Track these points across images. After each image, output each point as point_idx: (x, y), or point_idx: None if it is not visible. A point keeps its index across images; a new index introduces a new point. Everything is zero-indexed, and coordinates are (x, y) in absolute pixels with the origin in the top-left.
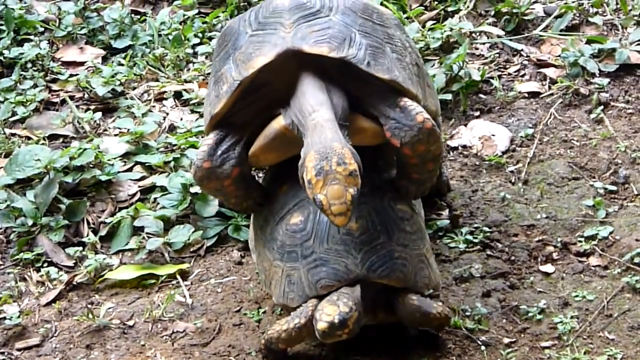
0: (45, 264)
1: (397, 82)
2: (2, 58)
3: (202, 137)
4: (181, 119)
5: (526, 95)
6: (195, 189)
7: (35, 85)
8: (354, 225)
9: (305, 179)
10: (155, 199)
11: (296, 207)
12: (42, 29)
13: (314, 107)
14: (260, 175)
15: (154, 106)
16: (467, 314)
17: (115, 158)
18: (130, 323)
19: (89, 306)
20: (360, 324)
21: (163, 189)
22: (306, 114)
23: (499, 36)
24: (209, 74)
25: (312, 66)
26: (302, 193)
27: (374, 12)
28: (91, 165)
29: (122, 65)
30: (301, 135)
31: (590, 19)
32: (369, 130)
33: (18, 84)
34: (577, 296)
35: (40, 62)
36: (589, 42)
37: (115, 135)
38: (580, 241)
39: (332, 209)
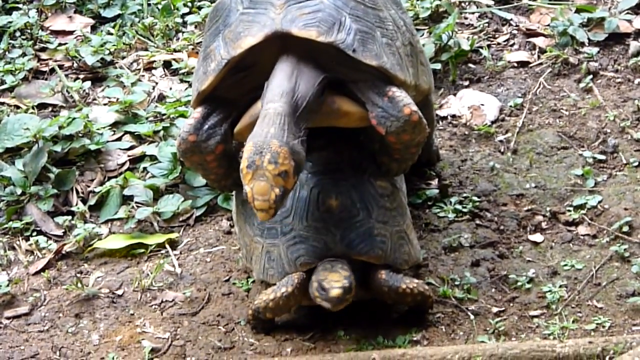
0: (34, 233)
1: (385, 68)
2: None
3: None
4: (170, 89)
5: (515, 64)
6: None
7: (24, 54)
8: (333, 203)
9: (241, 165)
10: (144, 168)
11: None
12: None
13: (273, 96)
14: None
15: (143, 75)
16: (456, 283)
17: (104, 127)
18: (119, 292)
19: (78, 275)
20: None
21: (152, 158)
22: (265, 100)
23: (488, 6)
24: (198, 43)
25: (298, 48)
26: None
27: None
28: (80, 135)
29: (111, 34)
30: None
31: None
32: (355, 114)
33: (7, 53)
34: (565, 265)
35: (29, 31)
36: (578, 11)
37: (105, 104)
38: (569, 210)
39: (255, 203)
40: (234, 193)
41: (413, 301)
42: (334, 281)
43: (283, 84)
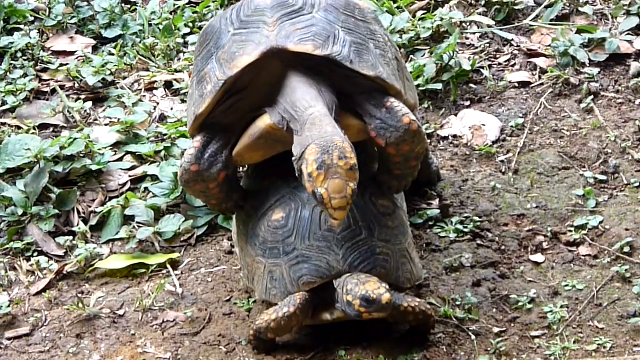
0: (36, 253)
1: (381, 78)
2: None
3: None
4: (172, 109)
5: (516, 85)
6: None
7: (25, 75)
8: (335, 222)
9: (305, 172)
10: (145, 188)
11: (278, 204)
12: (32, 18)
13: (309, 102)
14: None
15: (144, 96)
16: (458, 303)
17: (105, 147)
18: (121, 312)
19: (79, 295)
20: None
21: (154, 178)
22: (302, 109)
23: (489, 26)
24: None
25: (297, 64)
26: (283, 189)
27: (356, 9)
28: (82, 155)
29: (113, 54)
30: (292, 132)
31: (580, 8)
32: (354, 127)
33: (8, 74)
34: (567, 286)
35: (31, 52)
36: (579, 31)
37: (106, 124)
38: (570, 231)
39: (332, 202)
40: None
41: (415, 320)
42: (376, 289)
43: (310, 91)
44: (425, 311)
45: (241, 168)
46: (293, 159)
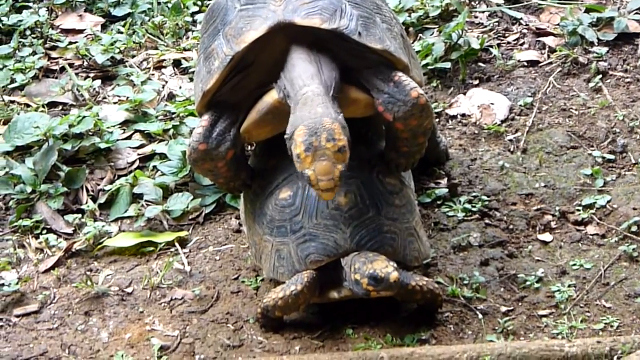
0: (44, 231)
1: (389, 51)
2: (0, 25)
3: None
4: (180, 87)
5: (525, 64)
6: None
7: (34, 53)
8: (342, 200)
9: (294, 152)
10: (154, 166)
11: (285, 182)
12: None
13: (305, 80)
14: (249, 150)
15: (153, 74)
16: (465, 282)
17: (114, 126)
18: (129, 290)
19: (88, 273)
20: None
21: (162, 156)
22: (297, 88)
23: (498, 5)
24: None
25: (302, 39)
26: (290, 168)
27: None
28: (90, 133)
29: (121, 33)
30: (288, 108)
31: None
32: (362, 101)
33: (17, 51)
34: (574, 265)
35: (39, 30)
36: (588, 10)
37: (115, 103)
38: (578, 210)
39: (319, 184)
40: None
41: (422, 299)
42: (384, 268)
43: (308, 68)
44: (433, 290)
45: (249, 147)
46: (285, 136)
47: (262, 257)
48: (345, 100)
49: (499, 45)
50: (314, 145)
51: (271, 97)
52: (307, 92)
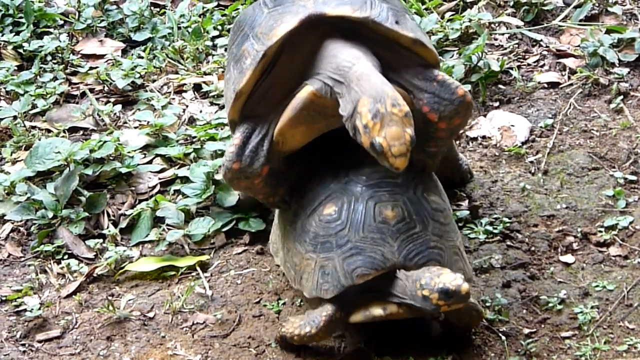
0: (66, 256)
1: (421, 41)
2: (22, 51)
3: (222, 129)
4: (200, 111)
5: (545, 85)
6: (220, 177)
7: (55, 78)
8: (390, 214)
9: (360, 125)
10: (175, 190)
11: (328, 199)
12: (62, 22)
13: (352, 60)
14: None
15: (173, 98)
16: (488, 304)
17: (135, 150)
18: (151, 315)
19: (110, 298)
20: None
21: (183, 180)
22: (346, 69)
23: (518, 26)
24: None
25: (335, 33)
26: (333, 186)
27: None
28: (111, 158)
29: (142, 57)
30: (336, 97)
31: (609, 8)
32: (403, 97)
33: (38, 77)
34: (597, 286)
35: (60, 55)
36: (609, 31)
37: (135, 127)
38: (600, 231)
39: (392, 150)
40: (274, 222)
41: (468, 316)
42: (453, 281)
43: (352, 51)
44: (477, 308)
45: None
46: (344, 119)
47: (303, 277)
48: None
49: (519, 67)
50: (381, 111)
51: (305, 91)
52: (358, 69)
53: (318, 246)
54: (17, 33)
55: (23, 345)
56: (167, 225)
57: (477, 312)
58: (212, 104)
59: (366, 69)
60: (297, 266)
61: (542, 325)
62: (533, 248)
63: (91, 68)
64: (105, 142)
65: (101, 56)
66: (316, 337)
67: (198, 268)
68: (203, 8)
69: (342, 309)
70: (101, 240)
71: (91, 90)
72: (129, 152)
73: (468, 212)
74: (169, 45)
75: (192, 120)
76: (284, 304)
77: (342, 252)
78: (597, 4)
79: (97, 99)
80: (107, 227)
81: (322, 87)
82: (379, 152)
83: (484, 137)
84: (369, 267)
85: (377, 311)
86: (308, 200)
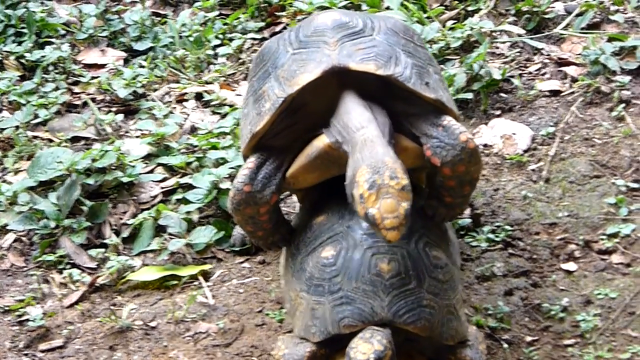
0: (68, 266)
1: (441, 101)
2: (24, 61)
3: (224, 138)
4: (202, 120)
5: (547, 93)
6: (225, 185)
7: (57, 88)
8: (385, 267)
9: (356, 194)
10: (177, 200)
11: (329, 241)
12: (64, 32)
13: (362, 123)
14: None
15: (175, 108)
16: (490, 312)
17: (137, 160)
18: (153, 324)
19: (112, 307)
20: None
21: (185, 189)
22: (353, 130)
23: (519, 35)
24: (230, 75)
25: (353, 85)
26: (337, 227)
27: (415, 34)
28: (113, 167)
29: (143, 67)
30: (345, 154)
31: (611, 16)
32: (411, 150)
33: (40, 87)
34: (599, 294)
35: (62, 65)
36: (610, 40)
37: (137, 137)
38: (602, 239)
39: (385, 223)
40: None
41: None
42: (361, 352)
43: (364, 113)
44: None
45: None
46: (345, 183)
47: (296, 314)
48: (395, 148)
49: (520, 75)
50: (378, 183)
51: (322, 141)
52: (365, 134)
53: (312, 288)
54: (20, 43)
55: (26, 355)
56: (169, 234)
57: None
58: (213, 112)
59: (372, 135)
60: (292, 300)
61: (545, 333)
62: (535, 256)
63: (93, 78)
64: (107, 151)
65: (103, 66)
66: None
67: (200, 277)
68: (204, 17)
69: (327, 347)
70: (103, 250)
71: (93, 100)
72: (130, 162)
73: (470, 220)
74: (171, 55)
75: (193, 130)
76: (286, 313)
77: (333, 299)
78: (598, 12)
79: (99, 109)
80: (109, 237)
81: (335, 141)
82: (372, 222)
83: (485, 145)
84: (357, 318)
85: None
86: (311, 236)
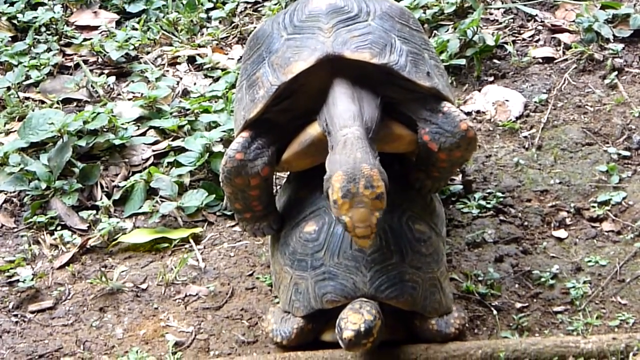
0: (59, 227)
1: (437, 89)
2: (16, 22)
3: (216, 101)
4: (194, 84)
5: (540, 60)
6: (217, 148)
7: (49, 49)
8: (363, 244)
9: (331, 197)
10: (169, 163)
11: (312, 215)
12: None
13: (346, 121)
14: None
15: (167, 70)
16: (480, 279)
17: (128, 122)
18: (144, 286)
19: (103, 269)
20: (382, 334)
21: (177, 152)
22: (337, 127)
23: (513, 1)
24: (222, 38)
25: (347, 72)
26: (320, 201)
27: (410, 18)
28: (105, 129)
29: (136, 29)
30: (329, 144)
31: None
32: (406, 137)
33: (32, 48)
34: (589, 261)
35: (54, 26)
36: (604, 7)
37: (129, 99)
38: (593, 206)
39: (356, 231)
40: None
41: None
42: (352, 322)
43: (350, 107)
44: (464, 318)
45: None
46: (324, 177)
47: (280, 288)
48: (389, 137)
49: (514, 42)
50: (352, 192)
51: (314, 129)
52: (347, 134)
53: (295, 262)
54: (12, 4)
55: (15, 315)
56: (161, 197)
57: (463, 329)
58: (206, 76)
59: (354, 137)
60: (277, 274)
61: (534, 300)
62: (526, 223)
63: (85, 39)
64: (98, 113)
65: (95, 27)
66: (287, 346)
67: (191, 240)
68: None
69: (314, 322)
70: (94, 212)
71: (85, 62)
72: (122, 124)
73: (461, 186)
74: (163, 17)
75: (186, 93)
76: (272, 284)
77: (315, 275)
78: None
79: (91, 71)
80: (101, 199)
81: (324, 129)
82: (343, 228)
83: (478, 111)
84: (339, 294)
85: (327, 337)
86: (294, 211)
